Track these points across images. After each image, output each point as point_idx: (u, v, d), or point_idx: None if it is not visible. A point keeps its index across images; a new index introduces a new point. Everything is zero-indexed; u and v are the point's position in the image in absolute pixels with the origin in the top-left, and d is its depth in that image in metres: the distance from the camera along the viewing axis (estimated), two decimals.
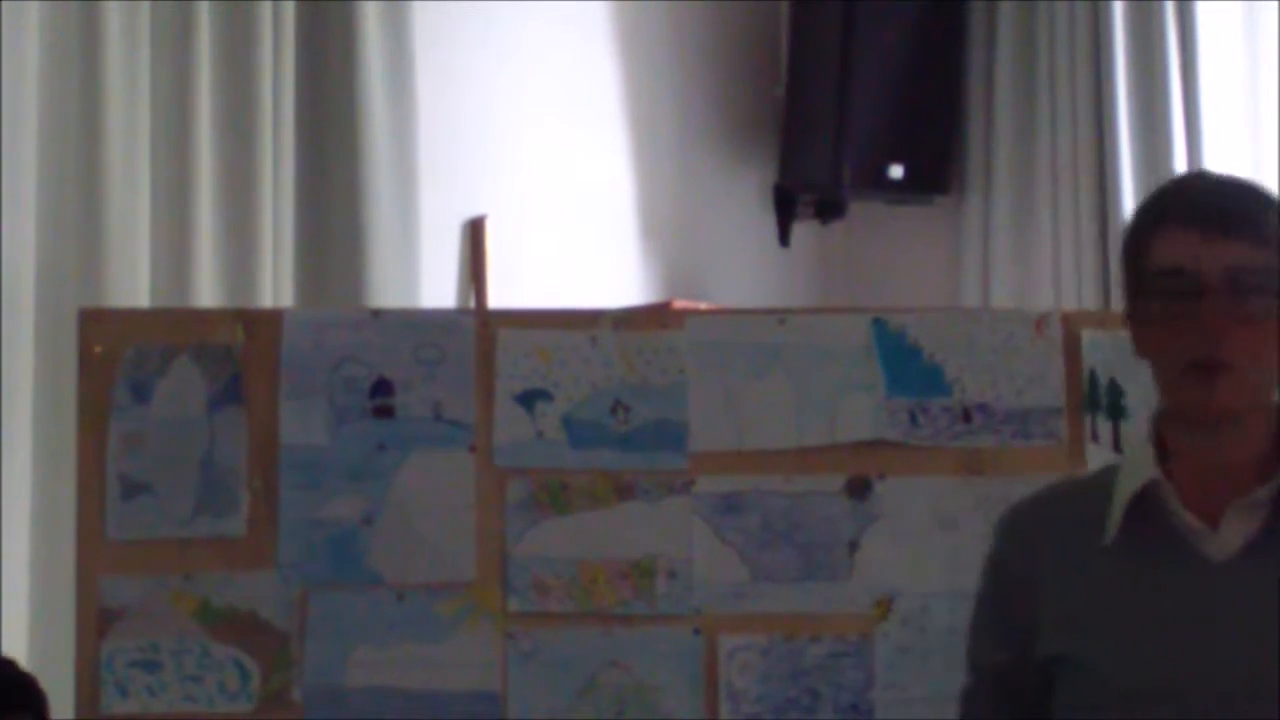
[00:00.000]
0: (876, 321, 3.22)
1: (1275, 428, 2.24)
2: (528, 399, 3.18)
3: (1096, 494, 2.30)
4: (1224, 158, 4.36)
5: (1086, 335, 3.22)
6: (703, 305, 4.39)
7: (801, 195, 4.84)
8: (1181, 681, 2.17)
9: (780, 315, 3.28)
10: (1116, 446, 3.18)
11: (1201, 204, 2.23)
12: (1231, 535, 2.21)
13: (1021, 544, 2.37)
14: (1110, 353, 3.21)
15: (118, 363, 3.13)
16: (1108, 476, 2.33)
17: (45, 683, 2.84)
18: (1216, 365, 2.18)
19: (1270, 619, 2.16)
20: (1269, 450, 2.23)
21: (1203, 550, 2.21)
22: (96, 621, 3.08)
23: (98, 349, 3.14)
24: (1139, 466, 2.28)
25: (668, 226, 4.79)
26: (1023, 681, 2.34)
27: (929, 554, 3.16)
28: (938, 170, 4.73)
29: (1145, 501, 2.25)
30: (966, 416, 3.20)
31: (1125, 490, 2.27)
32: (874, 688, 3.14)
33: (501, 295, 4.36)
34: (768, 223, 4.88)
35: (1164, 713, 2.17)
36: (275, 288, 3.95)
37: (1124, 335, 3.20)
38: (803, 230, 4.92)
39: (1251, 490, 2.21)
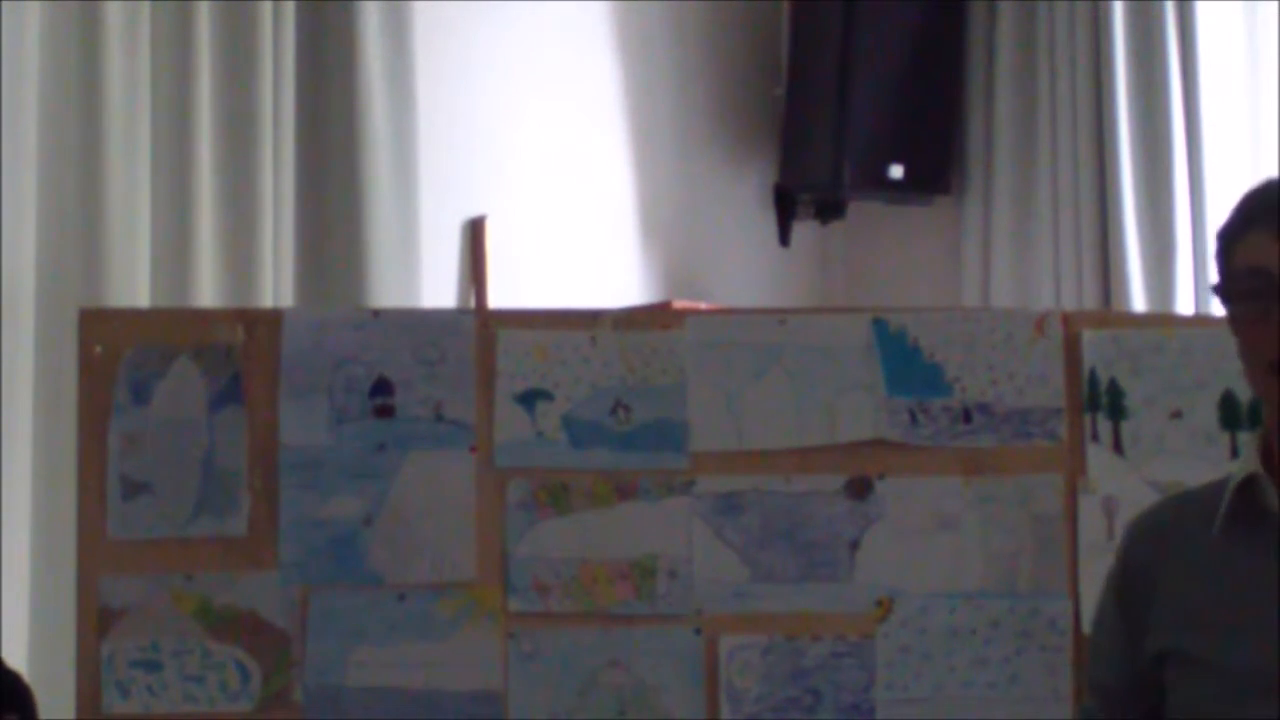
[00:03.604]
0: (876, 321, 3.22)
1: None
2: (528, 399, 3.18)
3: (1211, 496, 2.31)
4: (1224, 158, 4.36)
5: (1086, 335, 3.22)
6: (703, 305, 4.39)
7: (801, 195, 4.84)
8: (1277, 670, 2.17)
9: (780, 315, 3.28)
10: (1117, 446, 3.18)
11: (1277, 204, 2.23)
12: None
13: (1139, 551, 2.37)
14: (1110, 353, 3.21)
15: (118, 363, 3.13)
16: (1225, 480, 2.34)
17: (45, 683, 2.85)
18: None
19: None
20: None
21: None
22: (97, 621, 3.08)
23: (98, 349, 3.14)
24: (1246, 464, 2.29)
25: (668, 226, 4.79)
26: (1138, 696, 2.35)
27: (929, 554, 3.16)
28: (938, 170, 4.73)
29: (1251, 496, 2.26)
30: (966, 416, 3.20)
31: (1231, 486, 2.28)
32: (874, 688, 3.14)
33: (501, 295, 4.36)
34: (768, 223, 4.88)
35: (1264, 704, 2.17)
36: (275, 288, 3.95)
37: (1124, 335, 3.23)
38: (803, 230, 4.92)
39: None
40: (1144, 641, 2.32)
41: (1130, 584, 2.37)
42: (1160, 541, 2.35)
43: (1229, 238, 2.26)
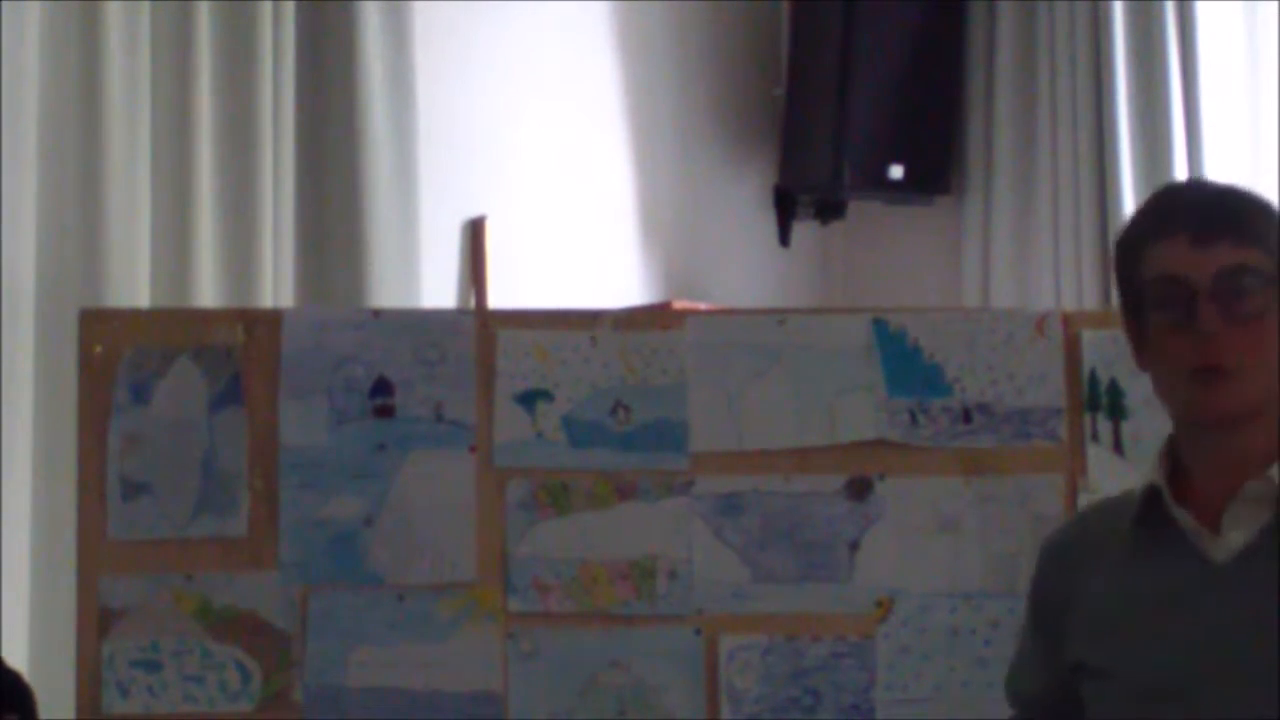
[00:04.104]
0: (876, 321, 3.22)
1: None
2: (528, 399, 3.18)
3: (1123, 507, 2.31)
4: (1224, 158, 4.36)
5: (1086, 335, 3.22)
6: (703, 305, 4.39)
7: (801, 195, 4.84)
8: (1183, 682, 2.17)
9: (780, 315, 3.28)
10: (1117, 446, 3.18)
11: (1189, 210, 2.24)
12: (1234, 536, 2.20)
13: (1054, 567, 2.39)
14: (1110, 353, 3.21)
15: (118, 363, 3.13)
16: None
17: (45, 683, 2.84)
18: (1217, 370, 2.18)
19: (1267, 620, 2.15)
20: (1272, 447, 2.22)
21: (1206, 552, 2.21)
22: (97, 622, 3.09)
23: (98, 349, 3.14)
24: (1149, 474, 2.29)
25: (668, 226, 4.79)
26: (1058, 705, 2.36)
27: (929, 554, 3.16)
28: (938, 170, 4.73)
29: (1157, 509, 2.26)
30: (966, 416, 3.20)
31: (1136, 498, 2.28)
32: (874, 688, 3.14)
33: (501, 295, 4.36)
34: (768, 223, 4.88)
35: (1169, 713, 2.18)
36: (275, 288, 3.95)
37: (1124, 335, 3.23)
38: (803, 230, 4.92)
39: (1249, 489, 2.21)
40: (1063, 652, 2.33)
41: (1045, 598, 2.38)
42: (1072, 554, 2.36)
43: (1135, 246, 2.26)
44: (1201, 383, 2.19)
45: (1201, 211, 2.23)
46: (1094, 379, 3.21)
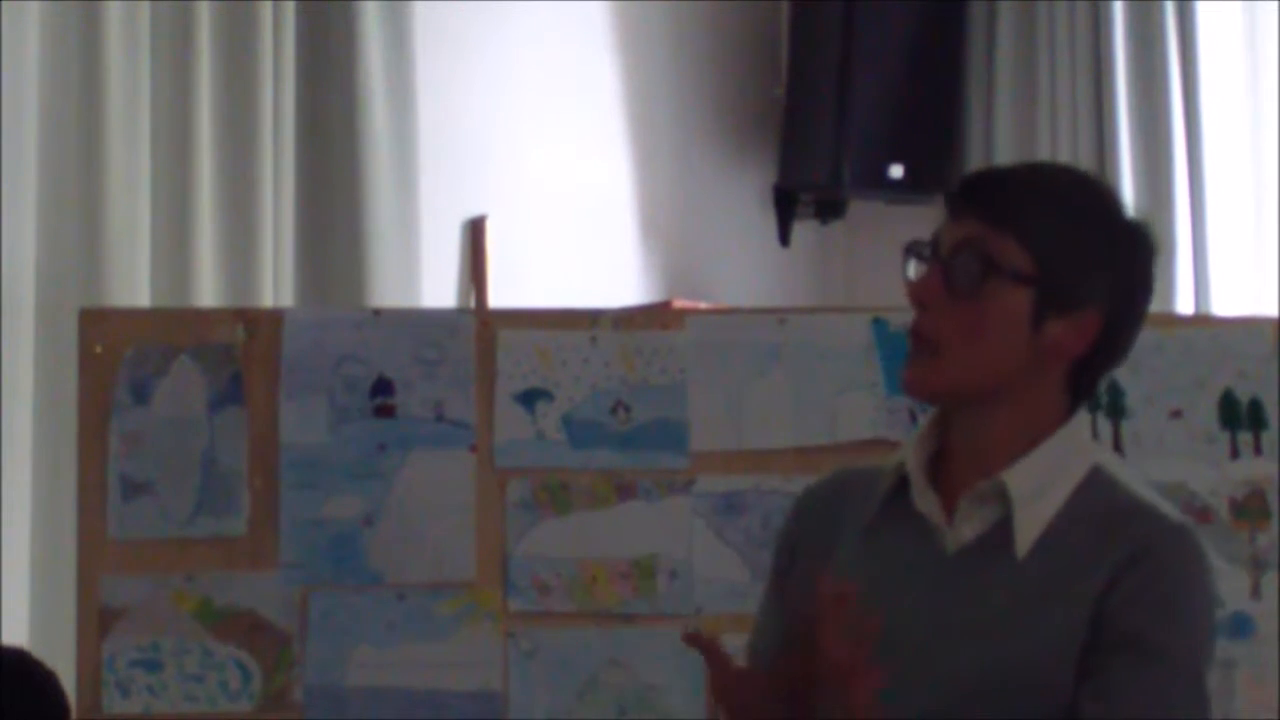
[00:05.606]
0: (876, 321, 3.22)
1: (1040, 416, 2.09)
2: (528, 399, 3.18)
3: (882, 477, 2.17)
4: (1224, 158, 4.37)
5: None
6: (703, 305, 4.39)
7: (801, 195, 4.84)
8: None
9: (780, 315, 3.28)
10: (1117, 446, 3.18)
11: (963, 182, 2.17)
12: (964, 530, 2.08)
13: (801, 518, 2.25)
14: None
15: (118, 363, 3.13)
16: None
17: None
18: (920, 340, 2.09)
19: (957, 623, 2.04)
20: (1025, 444, 2.08)
21: (938, 541, 2.09)
22: (98, 621, 3.08)
23: (98, 349, 3.14)
24: (906, 451, 2.16)
25: (668, 226, 4.79)
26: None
27: None
28: (938, 170, 4.73)
29: (908, 487, 2.13)
30: None
31: (887, 478, 2.15)
32: None
33: (501, 295, 4.36)
34: (768, 223, 4.88)
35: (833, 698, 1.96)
36: (275, 288, 3.95)
37: None
38: (803, 230, 4.92)
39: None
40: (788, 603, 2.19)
41: (779, 550, 2.26)
42: (817, 520, 2.22)
43: None
44: (909, 352, 2.10)
45: (969, 184, 2.16)
46: None
